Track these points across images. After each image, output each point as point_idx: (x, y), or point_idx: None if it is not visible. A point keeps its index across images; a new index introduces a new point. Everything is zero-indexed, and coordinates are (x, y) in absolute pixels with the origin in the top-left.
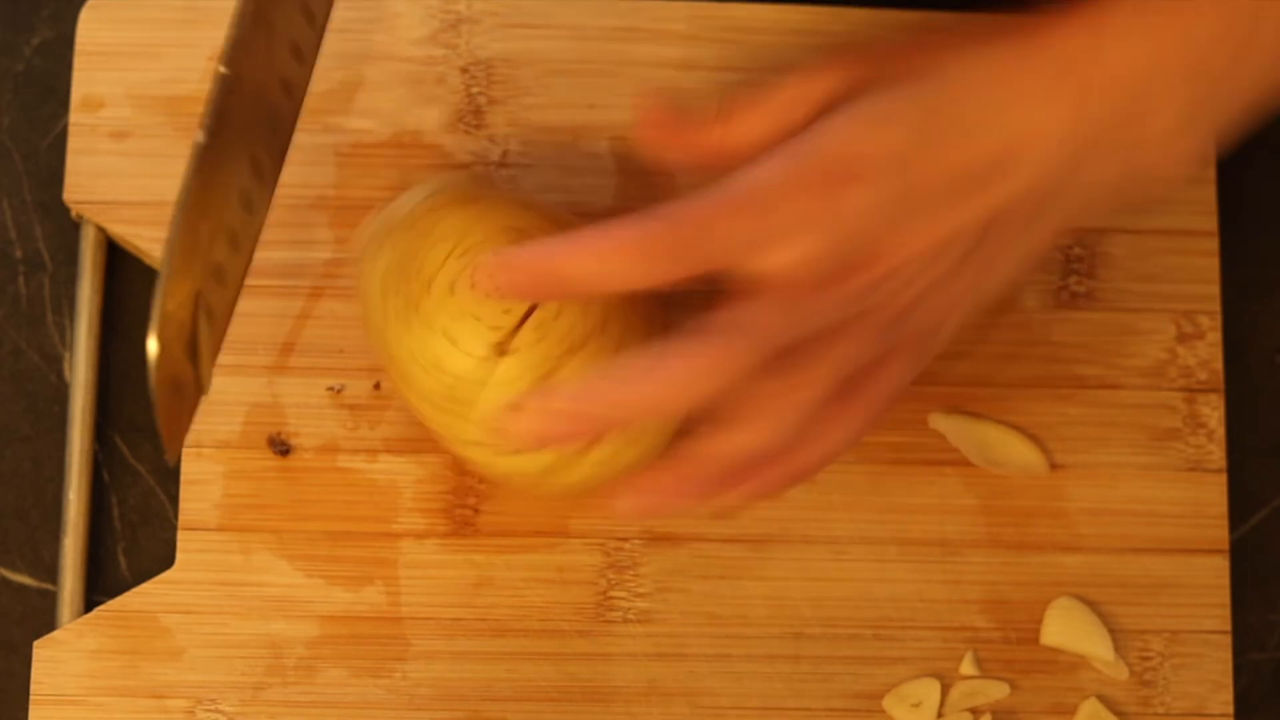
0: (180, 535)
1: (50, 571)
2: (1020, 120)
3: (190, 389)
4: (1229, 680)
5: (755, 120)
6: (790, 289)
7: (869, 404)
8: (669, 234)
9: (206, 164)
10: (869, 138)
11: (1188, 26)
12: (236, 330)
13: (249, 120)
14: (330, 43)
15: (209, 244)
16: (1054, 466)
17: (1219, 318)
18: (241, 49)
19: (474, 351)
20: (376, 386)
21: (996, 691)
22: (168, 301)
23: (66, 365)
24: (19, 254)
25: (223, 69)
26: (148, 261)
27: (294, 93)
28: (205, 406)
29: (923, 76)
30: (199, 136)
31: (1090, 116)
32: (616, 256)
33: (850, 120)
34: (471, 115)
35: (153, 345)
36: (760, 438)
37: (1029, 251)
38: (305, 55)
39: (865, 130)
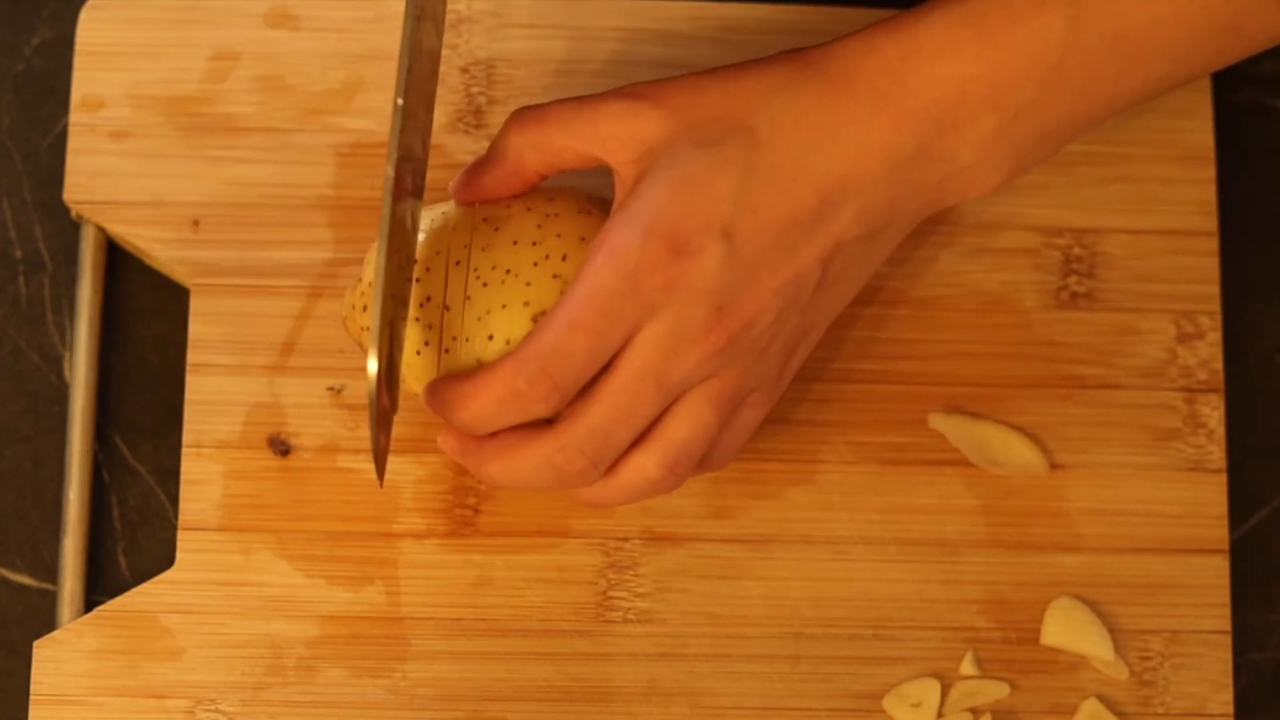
0: (180, 535)
1: (50, 571)
2: (837, 157)
3: (390, 413)
4: (1229, 680)
5: (557, 141)
6: (647, 368)
7: (731, 443)
8: (538, 380)
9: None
10: (693, 208)
11: (997, 55)
12: (237, 330)
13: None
14: (330, 42)
15: (397, 271)
16: (1054, 466)
17: (1219, 318)
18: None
19: (517, 333)
20: None
21: (996, 691)
22: (379, 338)
23: (66, 365)
24: (19, 254)
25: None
26: (148, 261)
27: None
28: (206, 407)
29: (732, 133)
30: (391, 170)
31: (902, 144)
32: (503, 406)
33: (671, 191)
34: (471, 115)
35: (372, 367)
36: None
37: (865, 272)
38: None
39: (687, 200)
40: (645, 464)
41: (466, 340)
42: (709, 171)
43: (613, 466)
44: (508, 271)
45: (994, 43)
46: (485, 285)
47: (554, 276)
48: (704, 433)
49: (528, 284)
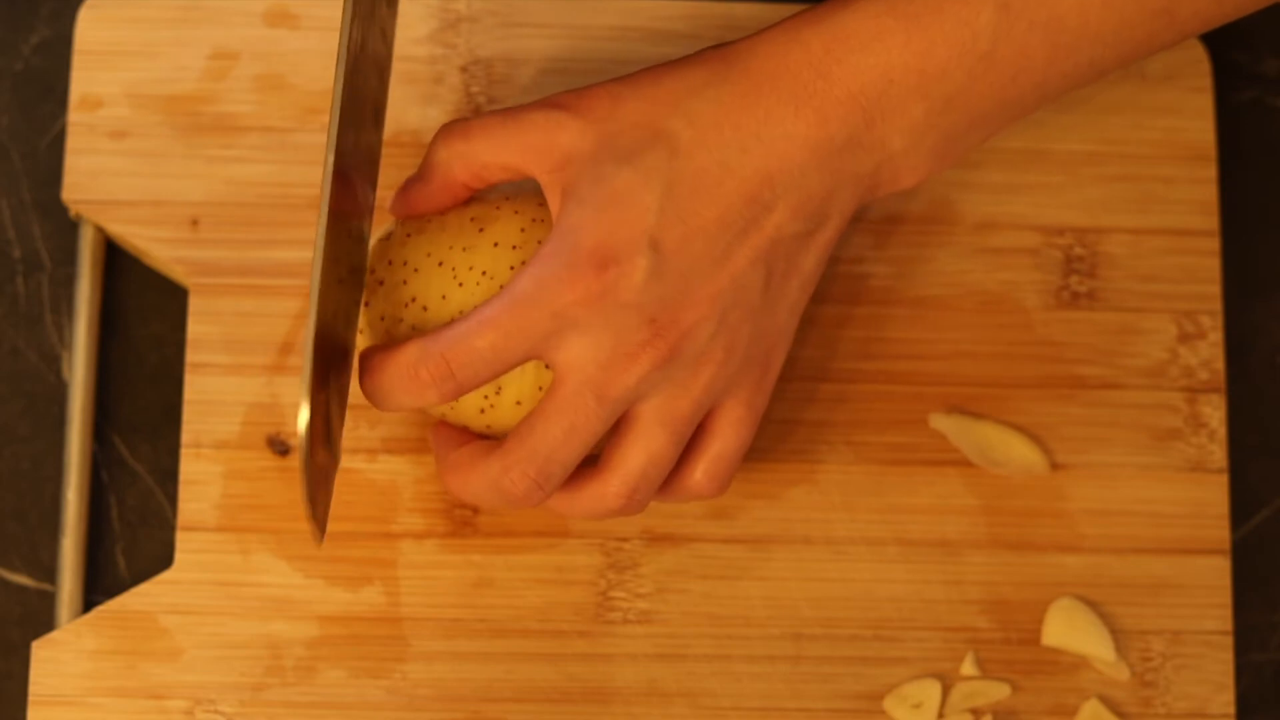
0: (179, 535)
1: (49, 572)
2: (762, 156)
3: (331, 469)
4: (1230, 681)
5: (483, 155)
6: (585, 384)
7: (719, 466)
8: (436, 363)
9: (332, 236)
10: (618, 223)
11: (925, 44)
12: (236, 330)
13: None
14: (330, 42)
15: (335, 322)
16: (1055, 466)
17: (1220, 317)
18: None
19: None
20: None
21: (997, 692)
22: (310, 389)
23: (65, 365)
24: (17, 253)
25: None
26: (146, 261)
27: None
28: (204, 407)
29: (653, 141)
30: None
31: (831, 136)
32: (399, 383)
33: (595, 210)
34: (471, 114)
35: (303, 423)
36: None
37: (817, 267)
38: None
39: (612, 217)
40: (603, 491)
41: None
42: (631, 185)
43: (574, 489)
44: (483, 273)
45: (922, 32)
46: (461, 285)
47: None
48: (659, 457)
49: (502, 287)
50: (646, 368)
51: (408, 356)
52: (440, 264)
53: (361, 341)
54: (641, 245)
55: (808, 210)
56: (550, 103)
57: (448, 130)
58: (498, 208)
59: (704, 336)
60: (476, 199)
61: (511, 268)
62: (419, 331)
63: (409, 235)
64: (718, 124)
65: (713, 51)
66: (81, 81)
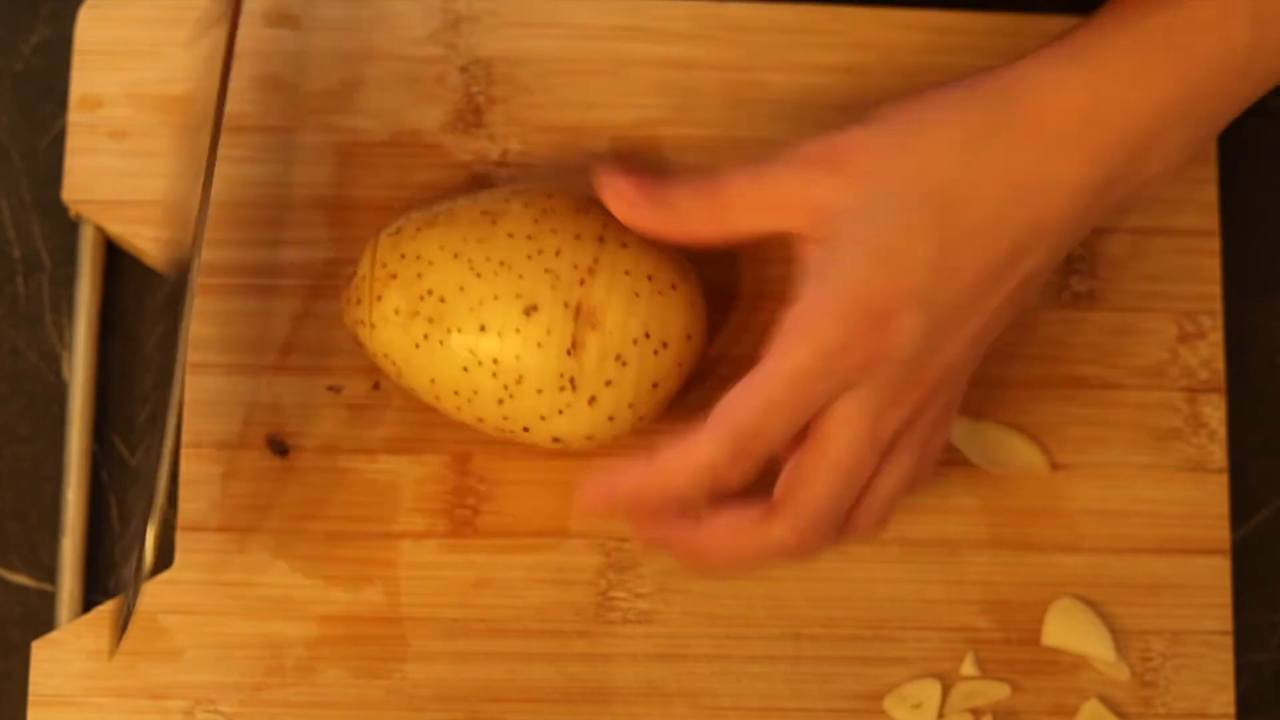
0: (179, 535)
1: (49, 572)
2: (1031, 207)
3: (154, 568)
4: (1230, 681)
5: (733, 215)
6: (861, 437)
7: (915, 470)
8: (740, 458)
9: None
10: (891, 281)
11: (1190, 71)
12: (236, 330)
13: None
14: (330, 41)
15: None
16: (1055, 466)
17: (1220, 317)
18: None
19: (509, 326)
20: (376, 386)
21: (997, 692)
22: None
23: (65, 365)
24: (17, 254)
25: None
26: (146, 261)
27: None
28: (205, 406)
29: (922, 198)
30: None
31: (1095, 178)
32: (697, 480)
33: (867, 268)
34: (471, 114)
35: (149, 538)
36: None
37: (1040, 287)
38: None
39: (884, 275)
40: (864, 523)
41: (459, 331)
42: (902, 242)
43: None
44: (500, 264)
45: (1188, 60)
46: (479, 277)
47: (545, 271)
48: (907, 479)
49: (520, 276)
50: (909, 413)
51: (706, 451)
52: (455, 256)
53: (364, 334)
54: (915, 303)
55: (1060, 251)
56: (800, 159)
57: (694, 189)
58: (506, 200)
59: (956, 374)
60: (485, 193)
61: (528, 257)
62: (436, 324)
63: (419, 230)
64: (987, 176)
65: (966, 92)
66: (81, 81)
